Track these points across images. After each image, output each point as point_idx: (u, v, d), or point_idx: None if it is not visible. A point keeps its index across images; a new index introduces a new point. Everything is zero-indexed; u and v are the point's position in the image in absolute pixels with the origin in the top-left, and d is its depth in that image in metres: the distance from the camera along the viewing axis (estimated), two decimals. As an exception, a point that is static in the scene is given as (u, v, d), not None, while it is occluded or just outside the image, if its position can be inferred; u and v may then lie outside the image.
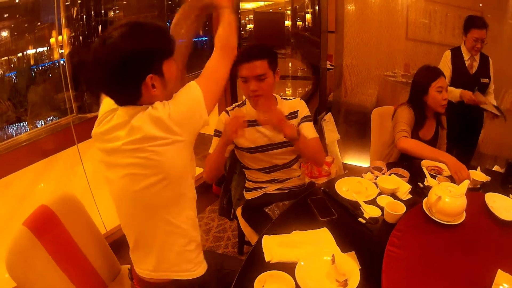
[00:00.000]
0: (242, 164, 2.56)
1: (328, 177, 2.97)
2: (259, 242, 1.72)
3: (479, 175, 2.27)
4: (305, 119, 2.42)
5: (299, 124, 2.42)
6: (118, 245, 3.24)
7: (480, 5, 3.65)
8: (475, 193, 2.08)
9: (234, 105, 2.51)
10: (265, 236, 1.75)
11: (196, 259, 1.69)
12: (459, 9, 3.72)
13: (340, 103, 4.53)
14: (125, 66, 1.33)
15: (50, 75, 6.30)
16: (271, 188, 2.52)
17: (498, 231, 1.75)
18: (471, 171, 2.27)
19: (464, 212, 1.78)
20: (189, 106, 1.46)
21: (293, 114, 2.44)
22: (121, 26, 1.37)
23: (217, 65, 1.59)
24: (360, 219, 1.88)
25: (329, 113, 3.73)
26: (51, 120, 6.01)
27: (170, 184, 1.46)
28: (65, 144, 5.03)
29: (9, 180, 4.73)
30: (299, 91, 7.67)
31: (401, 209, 1.86)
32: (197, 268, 1.68)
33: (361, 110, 2.92)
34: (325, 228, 1.79)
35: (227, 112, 2.44)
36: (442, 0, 3.75)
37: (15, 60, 5.94)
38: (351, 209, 1.97)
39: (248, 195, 2.58)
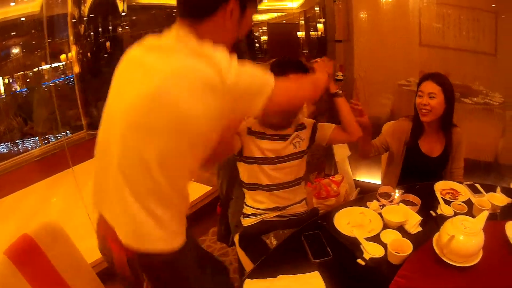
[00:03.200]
0: (243, 182, 2.38)
1: (337, 198, 2.77)
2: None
3: (498, 199, 1.99)
4: (315, 126, 2.38)
5: (314, 130, 2.36)
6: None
7: (493, 5, 3.41)
8: (493, 222, 1.80)
9: None
10: (247, 280, 1.56)
11: None
12: (473, 11, 3.50)
13: (352, 116, 4.34)
14: None
15: (60, 91, 6.28)
16: (270, 215, 2.34)
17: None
18: (491, 194, 2.02)
19: (481, 250, 1.52)
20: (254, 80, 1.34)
21: (300, 126, 2.35)
22: None
23: (302, 87, 1.62)
24: (359, 260, 1.64)
25: (339, 128, 3.53)
26: (65, 135, 6.01)
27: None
28: (61, 167, 4.98)
29: (14, 198, 4.66)
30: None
31: (408, 248, 1.60)
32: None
33: (375, 122, 2.70)
34: (316, 272, 1.56)
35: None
36: (454, 3, 3.54)
37: (31, 74, 5.96)
38: (349, 248, 1.73)
39: (246, 222, 2.39)
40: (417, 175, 2.47)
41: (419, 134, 2.57)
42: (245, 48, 5.32)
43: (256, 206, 2.35)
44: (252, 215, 2.36)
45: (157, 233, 1.33)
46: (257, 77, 1.33)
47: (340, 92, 2.24)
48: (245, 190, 2.40)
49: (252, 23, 1.51)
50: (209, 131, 1.32)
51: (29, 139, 5.76)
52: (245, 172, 2.34)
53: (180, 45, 1.30)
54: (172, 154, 1.28)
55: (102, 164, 1.42)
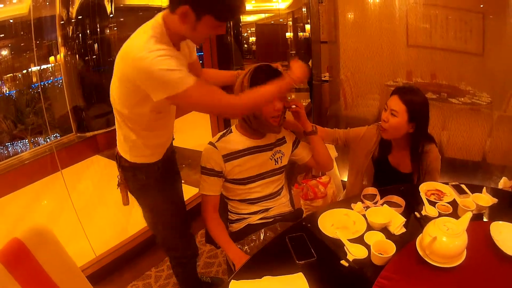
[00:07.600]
0: (226, 196, 2.39)
1: (324, 199, 2.74)
2: (225, 289, 1.51)
3: (484, 199, 1.97)
4: (297, 142, 2.46)
5: (294, 145, 2.43)
6: (106, 271, 3.16)
7: (481, 6, 3.41)
8: (479, 223, 1.81)
9: (219, 134, 2.28)
10: (232, 281, 1.55)
11: None
12: (460, 11, 3.49)
13: (338, 117, 4.33)
14: None
15: (48, 94, 6.26)
16: (254, 219, 2.34)
17: (504, 270, 1.49)
18: (476, 195, 2.01)
19: (465, 251, 1.51)
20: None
21: (281, 141, 2.39)
22: None
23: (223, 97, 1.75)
24: (343, 262, 1.62)
25: (325, 129, 3.52)
26: (55, 137, 6.00)
27: None
28: (51, 169, 4.96)
29: (3, 202, 4.65)
30: (304, 104, 7.52)
31: (391, 249, 1.60)
32: None
33: (362, 123, 2.69)
34: (300, 273, 1.55)
35: (212, 144, 2.20)
36: (442, 3, 3.53)
37: (20, 76, 5.94)
38: (333, 249, 1.71)
39: (232, 228, 2.40)
40: (404, 179, 2.40)
41: (387, 149, 2.44)
42: (233, 48, 5.29)
43: (239, 212, 2.36)
44: (237, 220, 2.37)
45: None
46: (167, 75, 1.58)
47: (315, 129, 2.35)
48: (227, 201, 2.41)
49: (210, 33, 1.73)
50: None
51: (19, 142, 5.74)
52: (227, 189, 2.34)
53: (144, 27, 1.72)
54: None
55: None
